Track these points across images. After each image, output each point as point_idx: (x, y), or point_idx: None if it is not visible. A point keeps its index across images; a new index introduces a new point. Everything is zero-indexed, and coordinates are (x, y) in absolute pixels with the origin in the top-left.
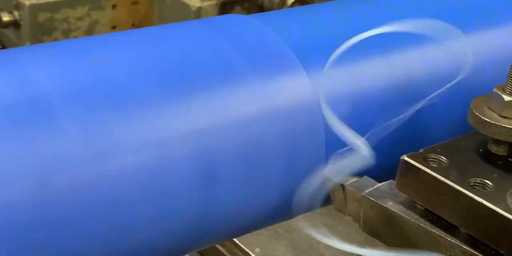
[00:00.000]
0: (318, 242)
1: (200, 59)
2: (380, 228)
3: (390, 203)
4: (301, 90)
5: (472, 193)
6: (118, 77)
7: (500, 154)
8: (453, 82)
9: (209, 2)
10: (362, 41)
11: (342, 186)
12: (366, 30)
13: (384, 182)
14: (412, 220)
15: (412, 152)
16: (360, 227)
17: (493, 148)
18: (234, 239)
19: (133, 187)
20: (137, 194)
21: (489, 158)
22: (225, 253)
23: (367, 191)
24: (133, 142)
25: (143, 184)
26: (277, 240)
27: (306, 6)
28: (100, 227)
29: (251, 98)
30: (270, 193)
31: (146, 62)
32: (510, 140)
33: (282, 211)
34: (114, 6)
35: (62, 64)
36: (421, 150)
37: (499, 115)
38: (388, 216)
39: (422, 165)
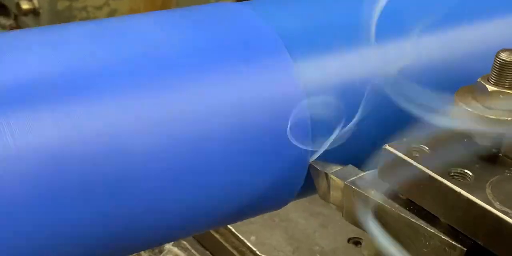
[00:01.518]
0: (314, 231)
1: (186, 46)
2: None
3: (373, 192)
4: (288, 79)
5: (451, 183)
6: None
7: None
8: None
9: None
10: (353, 29)
11: (326, 174)
12: (358, 19)
13: (368, 171)
14: (393, 209)
15: (395, 141)
16: (342, 216)
17: (478, 139)
18: (230, 227)
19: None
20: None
21: (472, 148)
22: (221, 241)
23: (350, 179)
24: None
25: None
26: (273, 229)
27: None
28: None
29: (237, 86)
30: (257, 181)
31: (136, 49)
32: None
33: (269, 199)
34: None
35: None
36: (404, 139)
37: (483, 106)
38: (369, 206)
39: (403, 154)
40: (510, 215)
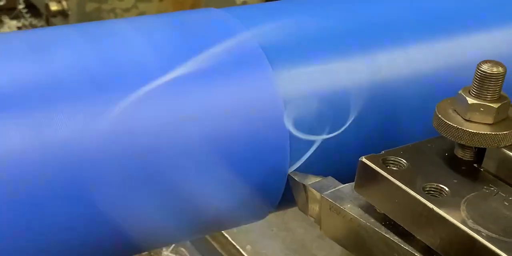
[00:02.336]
0: (312, 242)
1: (166, 52)
2: (338, 231)
3: (349, 205)
4: (267, 88)
5: (425, 198)
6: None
7: (466, 159)
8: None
9: None
10: (340, 38)
11: (304, 186)
12: (340, 28)
13: (347, 184)
14: (368, 224)
15: (372, 154)
16: (320, 230)
17: (459, 153)
18: (227, 236)
19: None
20: None
21: (453, 162)
22: (218, 249)
23: (327, 192)
24: None
25: None
26: (270, 239)
27: (285, 0)
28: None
29: (215, 94)
30: (234, 189)
31: (123, 53)
32: (471, 145)
33: (247, 209)
34: None
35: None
36: (383, 151)
37: (463, 118)
38: (345, 219)
39: (379, 168)
40: (482, 234)
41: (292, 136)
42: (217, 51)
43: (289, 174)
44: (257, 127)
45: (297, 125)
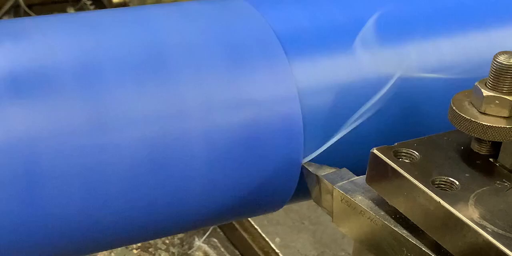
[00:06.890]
0: (343, 237)
1: (183, 41)
2: (349, 223)
3: (360, 197)
4: (282, 80)
5: (432, 191)
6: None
7: (482, 153)
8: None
9: None
10: (351, 31)
11: (317, 177)
12: (356, 21)
13: (361, 176)
14: (377, 216)
15: (384, 145)
16: (332, 221)
17: (475, 147)
18: (257, 227)
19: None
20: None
21: (468, 156)
22: (249, 240)
23: (340, 183)
24: None
25: None
26: (300, 232)
27: None
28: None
29: (230, 84)
30: (248, 177)
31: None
32: (485, 138)
33: (262, 198)
34: None
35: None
36: (396, 143)
37: (478, 111)
38: (355, 211)
39: (389, 159)
40: (487, 229)
41: (306, 126)
42: (233, 41)
43: (303, 165)
44: (271, 118)
45: (312, 115)
